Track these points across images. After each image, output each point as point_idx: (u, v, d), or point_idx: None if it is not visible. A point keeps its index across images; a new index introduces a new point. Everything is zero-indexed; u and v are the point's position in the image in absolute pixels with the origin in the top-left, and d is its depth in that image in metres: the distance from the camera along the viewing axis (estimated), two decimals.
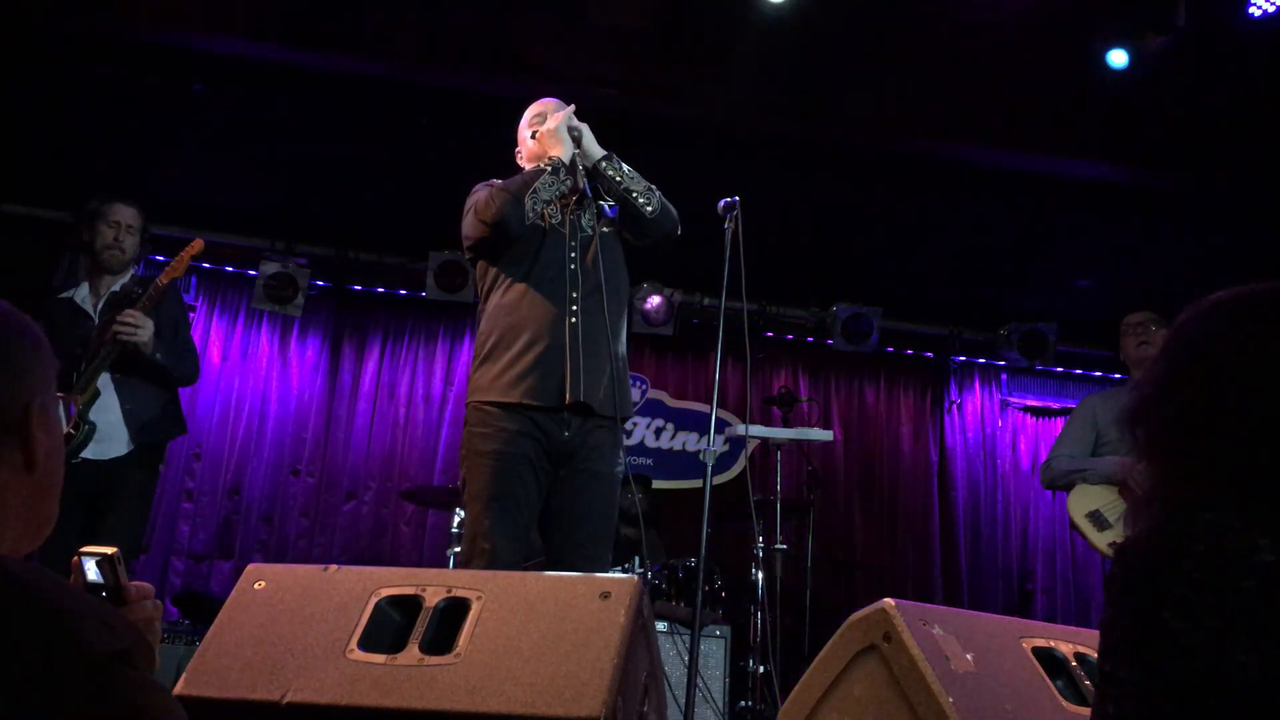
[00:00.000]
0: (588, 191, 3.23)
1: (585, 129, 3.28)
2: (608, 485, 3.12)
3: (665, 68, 5.47)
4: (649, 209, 3.22)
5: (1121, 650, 1.08)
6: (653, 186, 3.26)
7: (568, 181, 3.21)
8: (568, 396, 3.02)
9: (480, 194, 3.23)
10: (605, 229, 3.28)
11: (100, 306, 4.16)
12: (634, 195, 3.22)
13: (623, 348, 3.25)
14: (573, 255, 3.19)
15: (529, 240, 3.19)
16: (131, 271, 4.30)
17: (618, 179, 3.23)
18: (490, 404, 3.05)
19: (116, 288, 4.21)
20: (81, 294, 4.22)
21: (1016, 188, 6.19)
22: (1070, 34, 5.37)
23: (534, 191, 3.11)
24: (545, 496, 3.10)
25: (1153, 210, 6.26)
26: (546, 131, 3.26)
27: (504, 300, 3.17)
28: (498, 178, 3.40)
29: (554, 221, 3.23)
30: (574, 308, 3.11)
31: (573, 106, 3.33)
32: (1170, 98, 5.52)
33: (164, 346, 4.06)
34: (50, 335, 4.08)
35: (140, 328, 3.91)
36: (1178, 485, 1.17)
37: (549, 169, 3.16)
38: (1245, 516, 1.06)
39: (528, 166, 3.35)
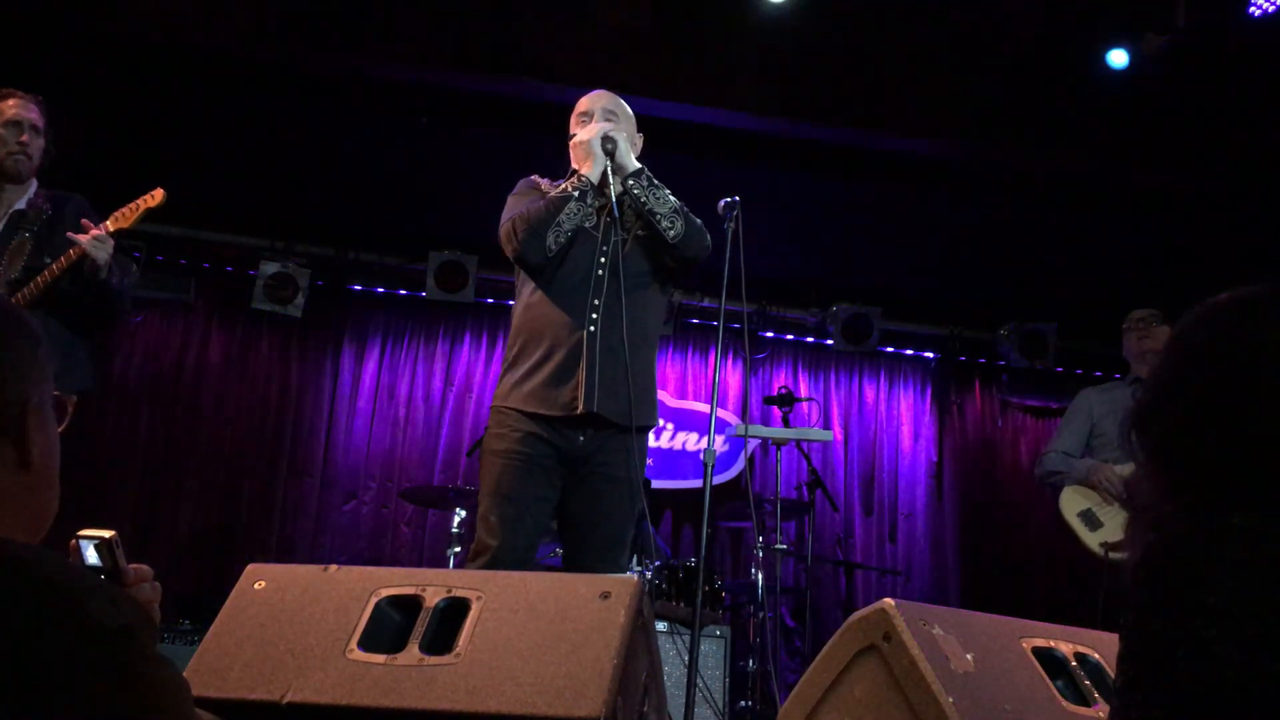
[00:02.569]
0: (615, 210, 3.16)
1: (621, 140, 3.21)
2: (623, 490, 3.11)
3: (666, 67, 5.47)
4: (671, 233, 3.17)
5: (1149, 657, 1.06)
6: (680, 209, 3.20)
7: (595, 204, 3.18)
8: (579, 407, 3.02)
9: (511, 210, 3.20)
10: (641, 231, 3.24)
11: (1, 228, 3.55)
12: (657, 218, 3.17)
13: (648, 353, 3.23)
14: (601, 260, 3.15)
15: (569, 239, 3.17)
16: (34, 186, 3.64)
17: (643, 199, 3.17)
18: (509, 408, 3.09)
19: (22, 204, 3.60)
20: None
21: (1016, 187, 6.19)
22: (1070, 34, 5.37)
23: (557, 224, 3.08)
24: (561, 500, 3.11)
25: (1152, 210, 6.27)
26: (579, 144, 3.22)
27: (530, 303, 3.18)
28: (536, 173, 3.39)
29: (588, 225, 3.19)
30: (594, 315, 3.09)
31: (608, 125, 3.24)
32: (1170, 98, 5.53)
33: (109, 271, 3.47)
34: None
35: (104, 243, 3.39)
36: (1192, 490, 1.15)
37: (576, 194, 3.12)
38: (1275, 522, 1.05)
39: (574, 163, 3.33)
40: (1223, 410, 1.15)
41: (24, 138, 3.57)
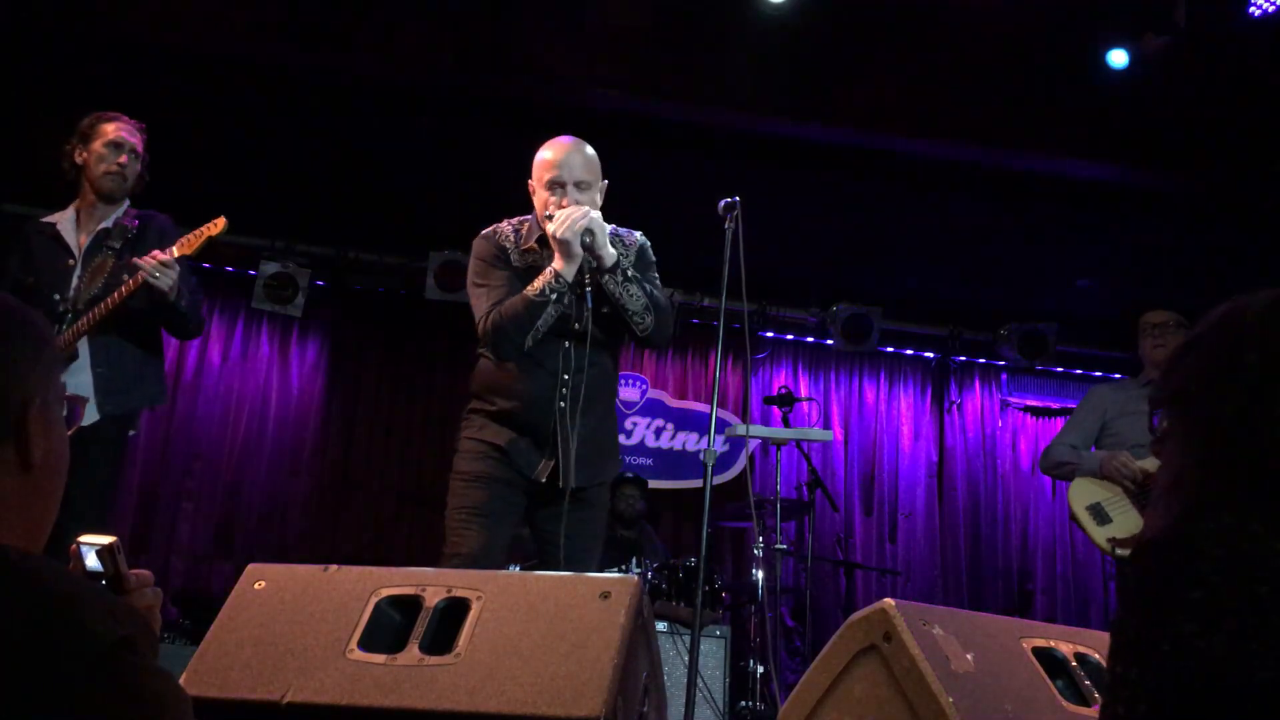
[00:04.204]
0: (588, 300, 3.12)
1: (599, 230, 3.07)
2: (593, 511, 3.22)
3: (665, 67, 5.47)
4: (640, 328, 3.16)
5: (1134, 651, 1.06)
6: (651, 306, 3.16)
7: (568, 299, 3.11)
8: (545, 479, 3.11)
9: (483, 297, 3.17)
10: (605, 309, 3.18)
11: (88, 245, 3.70)
12: (629, 314, 3.15)
13: (612, 408, 3.31)
14: (567, 344, 3.15)
15: None
16: (125, 206, 3.78)
17: (617, 294, 3.11)
18: (483, 440, 3.15)
19: (109, 223, 3.73)
20: (66, 223, 3.74)
21: (1016, 188, 6.19)
22: (1070, 34, 5.37)
23: (535, 329, 3.06)
24: (530, 518, 3.20)
25: (1152, 210, 6.27)
26: (558, 239, 3.05)
27: (500, 365, 3.17)
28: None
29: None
30: (564, 390, 3.12)
31: (582, 212, 3.06)
32: (1170, 98, 5.52)
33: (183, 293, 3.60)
34: (26, 266, 3.55)
35: (171, 269, 3.46)
36: (1203, 482, 1.15)
37: (554, 297, 3.05)
38: (1265, 520, 1.05)
39: (537, 206, 3.21)
40: (1246, 409, 1.14)
41: (123, 159, 3.72)
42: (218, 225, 3.61)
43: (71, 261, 3.67)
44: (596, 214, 3.09)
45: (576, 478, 3.10)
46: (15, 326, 1.15)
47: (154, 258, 3.48)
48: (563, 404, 3.11)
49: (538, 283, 3.07)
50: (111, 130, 3.73)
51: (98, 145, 3.72)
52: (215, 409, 7.22)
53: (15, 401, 1.11)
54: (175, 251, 3.53)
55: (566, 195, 3.12)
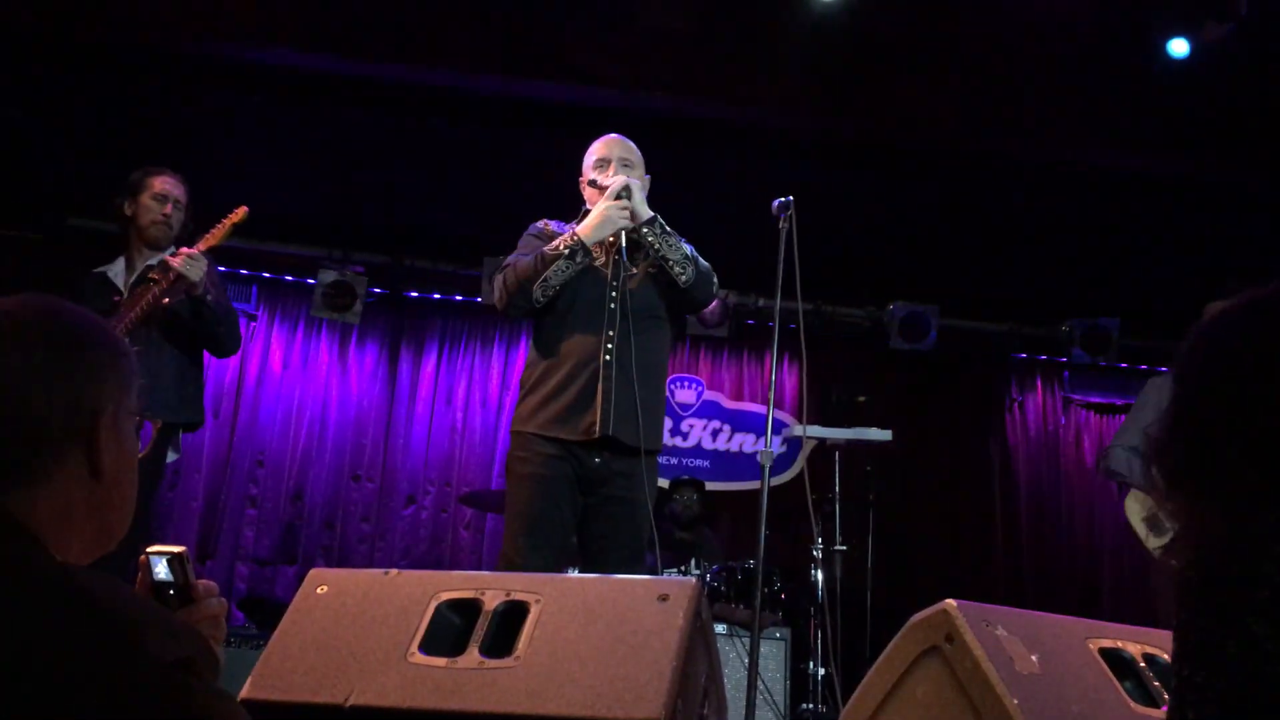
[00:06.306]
0: (623, 254, 3.29)
1: (636, 187, 3.29)
2: (638, 511, 3.26)
3: (714, 68, 5.46)
4: (683, 278, 3.30)
5: (1202, 655, 1.04)
6: (692, 256, 3.32)
7: (585, 261, 3.27)
8: (597, 431, 3.17)
9: (504, 270, 3.35)
10: (651, 269, 3.36)
11: (132, 281, 3.97)
12: (670, 264, 3.29)
13: (658, 382, 3.36)
14: (612, 295, 3.29)
15: (569, 280, 3.30)
16: (172, 249, 4.01)
17: (656, 246, 3.28)
18: (530, 433, 3.24)
19: (154, 262, 3.96)
20: (116, 269, 4.05)
21: (1075, 181, 6.10)
22: (1130, 24, 5.28)
23: (544, 280, 3.21)
24: (580, 521, 3.26)
25: (1215, 202, 6.14)
26: (613, 189, 3.30)
27: (545, 334, 3.33)
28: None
29: (596, 262, 3.32)
30: (609, 345, 3.23)
31: (622, 180, 3.30)
32: (1232, 87, 5.41)
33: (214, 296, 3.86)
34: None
35: (197, 262, 3.69)
36: (1238, 493, 1.12)
37: (566, 252, 3.21)
38: None
39: (588, 203, 3.43)
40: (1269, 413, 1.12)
41: (167, 209, 4.02)
42: (239, 214, 3.86)
43: (118, 298, 3.91)
44: (637, 182, 3.32)
45: (616, 428, 3.17)
46: (90, 336, 1.17)
47: (182, 252, 3.73)
48: (607, 357, 3.22)
49: (555, 242, 3.27)
50: (158, 184, 4.03)
51: (145, 198, 4.01)
52: (277, 416, 7.32)
53: (88, 409, 1.13)
54: (201, 246, 3.78)
55: (613, 167, 3.38)
